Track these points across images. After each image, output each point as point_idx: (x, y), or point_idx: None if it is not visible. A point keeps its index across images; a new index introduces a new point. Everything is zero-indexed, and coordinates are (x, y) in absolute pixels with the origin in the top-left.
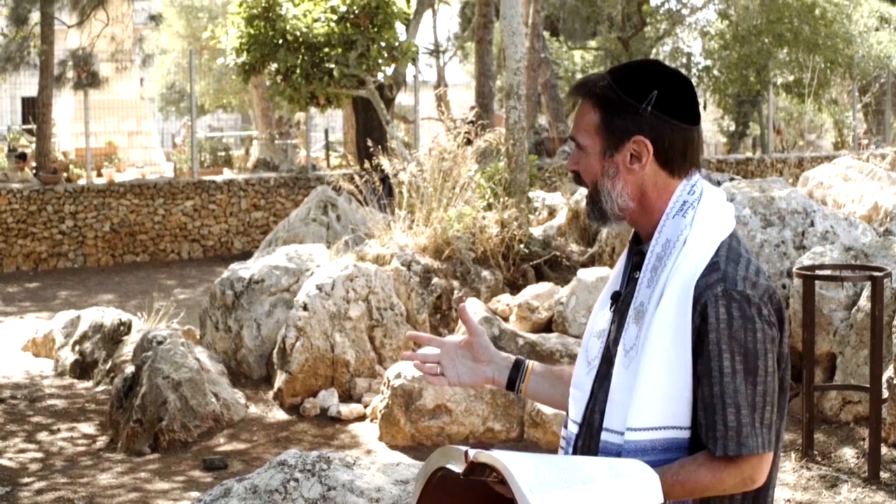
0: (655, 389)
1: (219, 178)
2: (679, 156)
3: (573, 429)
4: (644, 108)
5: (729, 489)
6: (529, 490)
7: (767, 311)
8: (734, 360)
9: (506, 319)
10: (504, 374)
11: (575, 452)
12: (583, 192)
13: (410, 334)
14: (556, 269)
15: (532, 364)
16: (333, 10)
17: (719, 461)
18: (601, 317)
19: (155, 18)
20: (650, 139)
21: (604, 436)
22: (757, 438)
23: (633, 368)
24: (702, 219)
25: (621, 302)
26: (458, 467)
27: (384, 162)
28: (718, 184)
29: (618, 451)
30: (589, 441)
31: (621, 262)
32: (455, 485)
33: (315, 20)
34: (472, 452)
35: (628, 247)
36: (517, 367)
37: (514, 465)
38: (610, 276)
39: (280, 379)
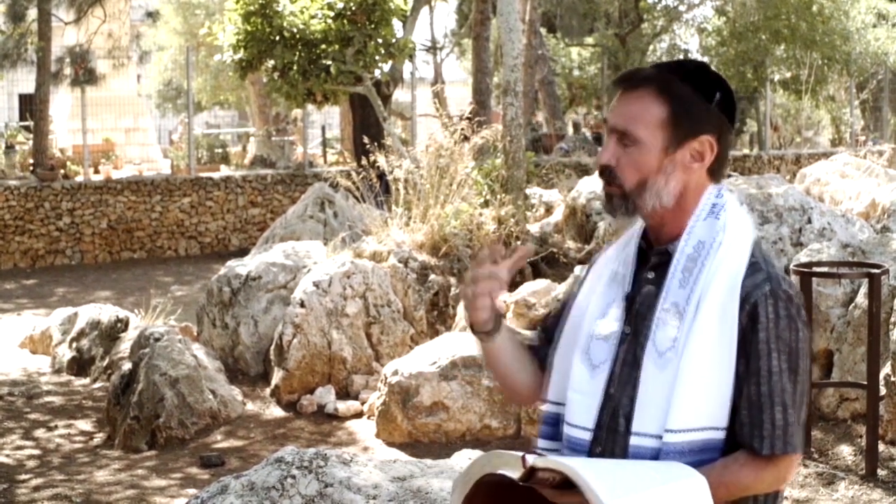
0: (699, 390)
1: (216, 175)
2: (726, 160)
3: (581, 434)
4: (714, 108)
5: (765, 488)
6: (610, 494)
7: (803, 311)
8: (780, 360)
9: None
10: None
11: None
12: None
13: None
14: (553, 265)
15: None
16: (330, 6)
17: (761, 460)
18: (607, 319)
19: (152, 15)
20: (716, 139)
21: (633, 440)
22: (798, 437)
23: (671, 370)
24: (734, 221)
25: (640, 304)
26: (513, 473)
27: (381, 159)
28: None
29: (654, 455)
30: (612, 446)
31: (620, 263)
32: (498, 491)
33: (312, 17)
34: (530, 458)
35: (627, 247)
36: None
37: (584, 470)
38: (597, 277)
39: (277, 376)
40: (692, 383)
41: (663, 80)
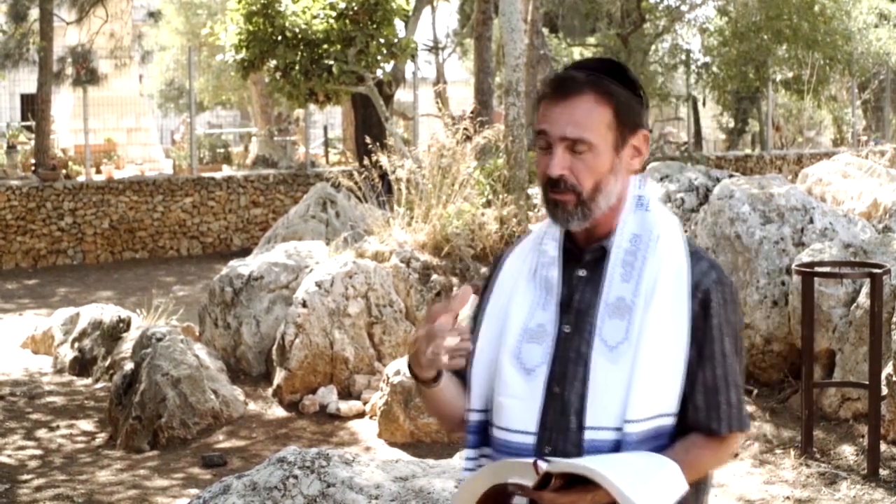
0: (656, 379)
1: (218, 175)
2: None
3: (522, 438)
4: (645, 101)
5: (718, 466)
6: (632, 489)
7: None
8: (729, 343)
9: None
10: None
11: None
12: None
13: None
14: None
15: None
16: (332, 6)
17: (717, 440)
18: (536, 320)
19: (154, 15)
20: (647, 133)
21: (588, 434)
22: (746, 414)
23: (625, 362)
24: (663, 213)
25: (578, 302)
26: (527, 480)
27: (383, 158)
28: (718, 180)
29: (612, 447)
30: (563, 444)
31: (540, 265)
32: (494, 497)
33: (314, 17)
34: (542, 464)
35: (541, 246)
36: None
37: (600, 468)
38: (511, 280)
39: (279, 376)
40: (650, 373)
41: (599, 83)
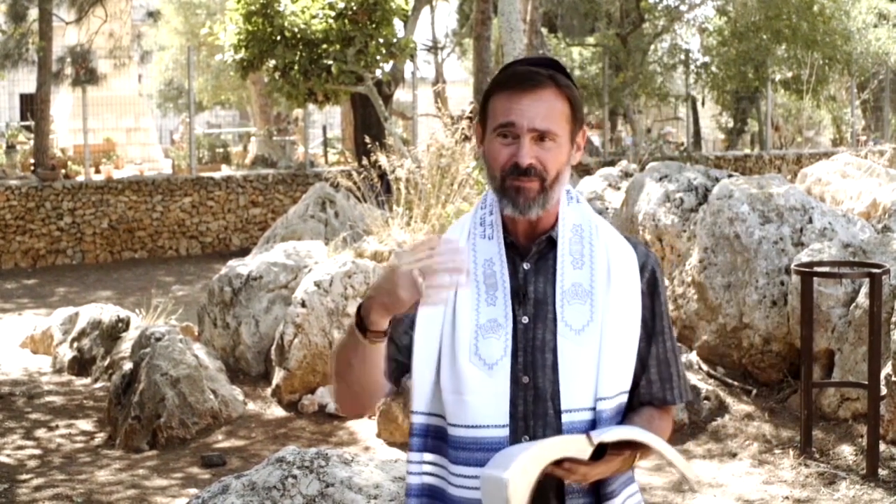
0: (622, 356)
1: (217, 175)
2: None
3: (494, 433)
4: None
5: (666, 437)
6: (680, 456)
7: None
8: (668, 319)
9: None
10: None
11: None
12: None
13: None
14: None
15: None
16: (331, 6)
17: (668, 410)
18: (487, 315)
19: (153, 15)
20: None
21: (566, 417)
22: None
23: (591, 344)
24: (587, 204)
25: (535, 292)
26: (583, 454)
27: (382, 158)
28: (717, 180)
29: (589, 426)
30: (542, 431)
31: (481, 262)
32: None
33: (313, 17)
34: (595, 435)
35: (474, 243)
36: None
37: (648, 436)
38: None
39: (278, 376)
40: (616, 351)
41: (558, 78)
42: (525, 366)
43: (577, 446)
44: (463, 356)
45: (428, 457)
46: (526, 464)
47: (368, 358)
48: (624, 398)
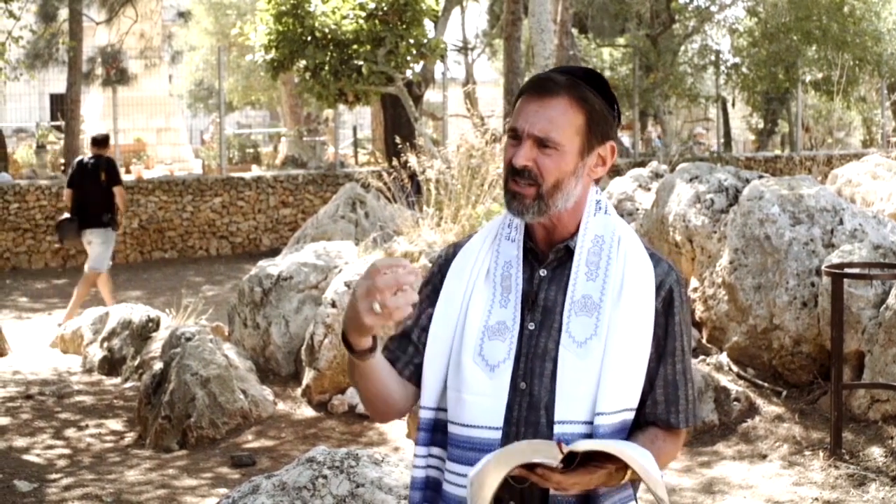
0: (625, 373)
1: (247, 175)
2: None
3: (488, 434)
4: (616, 117)
5: (671, 460)
6: (654, 469)
7: None
8: (686, 340)
9: None
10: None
11: None
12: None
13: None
14: None
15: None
16: (362, 6)
17: (675, 433)
18: (497, 317)
19: (184, 15)
20: (615, 145)
21: (558, 429)
22: (699, 410)
23: (594, 357)
24: (618, 216)
25: (544, 299)
26: (552, 460)
27: (412, 159)
28: (747, 181)
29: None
30: (533, 439)
31: (499, 264)
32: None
33: (344, 17)
34: (565, 443)
35: (497, 245)
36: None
37: (626, 450)
38: (465, 276)
39: (308, 376)
40: (619, 367)
41: (577, 88)
42: (524, 372)
43: (547, 452)
44: (467, 355)
45: (434, 451)
46: (493, 464)
47: (367, 373)
48: (629, 415)
